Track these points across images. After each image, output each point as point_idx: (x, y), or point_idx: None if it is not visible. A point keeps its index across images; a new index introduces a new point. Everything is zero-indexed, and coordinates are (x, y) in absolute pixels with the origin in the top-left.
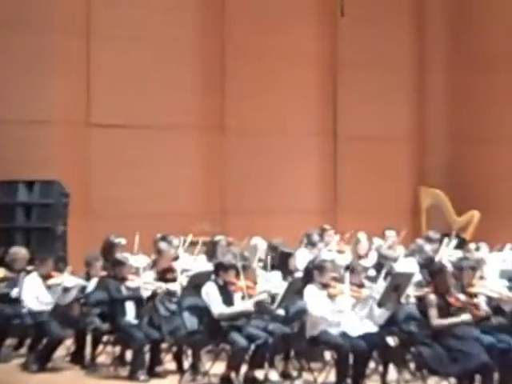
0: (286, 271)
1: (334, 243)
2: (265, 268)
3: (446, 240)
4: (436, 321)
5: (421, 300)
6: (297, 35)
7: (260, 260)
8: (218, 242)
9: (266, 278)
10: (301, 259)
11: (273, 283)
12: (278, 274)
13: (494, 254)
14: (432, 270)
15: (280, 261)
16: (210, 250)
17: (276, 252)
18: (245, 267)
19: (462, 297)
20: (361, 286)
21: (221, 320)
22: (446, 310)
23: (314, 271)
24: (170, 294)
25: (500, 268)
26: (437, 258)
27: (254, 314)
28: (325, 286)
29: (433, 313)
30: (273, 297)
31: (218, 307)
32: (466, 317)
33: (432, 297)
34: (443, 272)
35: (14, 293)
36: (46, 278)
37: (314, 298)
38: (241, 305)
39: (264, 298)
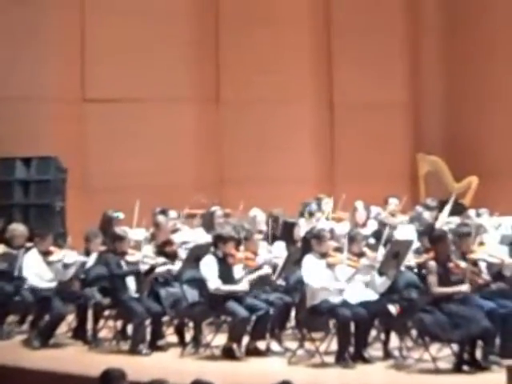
0: (290, 241)
1: (329, 211)
2: (267, 239)
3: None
4: (436, 289)
5: (421, 267)
6: (289, 2)
7: (260, 231)
8: (214, 213)
9: (267, 249)
10: (301, 229)
11: (276, 254)
12: (281, 245)
13: (494, 219)
14: (433, 237)
15: (283, 231)
16: (207, 222)
17: (277, 222)
18: (246, 238)
19: (463, 264)
20: (361, 254)
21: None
22: (446, 277)
23: (312, 240)
24: (168, 272)
25: (500, 234)
26: (436, 226)
27: (254, 285)
28: (323, 255)
29: (433, 280)
30: (274, 268)
31: (214, 282)
32: (464, 287)
33: (432, 263)
34: (444, 239)
35: (14, 270)
36: (45, 254)
37: (311, 269)
38: (236, 285)
39: (266, 273)
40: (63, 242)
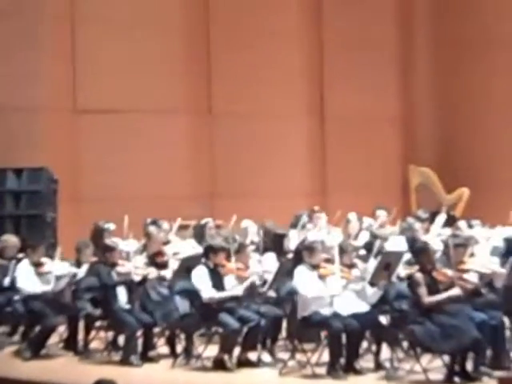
0: (280, 253)
1: (323, 224)
2: (257, 250)
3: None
4: (427, 299)
5: (410, 278)
6: (282, 16)
7: (252, 243)
8: (205, 225)
9: (258, 260)
10: (292, 241)
11: (267, 265)
12: (272, 256)
13: (486, 230)
14: (415, 249)
15: (273, 242)
16: (199, 233)
17: (268, 234)
18: (238, 250)
19: (449, 272)
20: (351, 266)
21: (211, 304)
22: (434, 287)
23: (303, 252)
24: (160, 278)
25: (491, 245)
26: (427, 237)
27: (246, 296)
28: (315, 266)
29: (422, 291)
30: (264, 279)
31: (207, 292)
32: (455, 291)
33: (419, 275)
34: (426, 250)
35: (6, 281)
36: (37, 265)
37: (304, 279)
38: (230, 290)
39: (254, 281)
40: (54, 253)
